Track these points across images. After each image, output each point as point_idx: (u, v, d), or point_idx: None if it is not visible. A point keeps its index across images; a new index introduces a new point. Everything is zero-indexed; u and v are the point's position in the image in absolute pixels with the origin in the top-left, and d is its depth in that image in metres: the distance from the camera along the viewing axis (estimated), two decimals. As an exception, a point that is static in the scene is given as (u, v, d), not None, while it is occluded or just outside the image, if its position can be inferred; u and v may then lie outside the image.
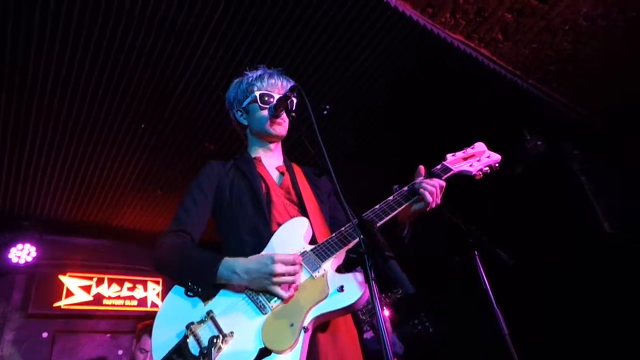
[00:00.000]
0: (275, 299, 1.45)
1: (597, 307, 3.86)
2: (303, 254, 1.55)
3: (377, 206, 1.65)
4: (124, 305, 5.95)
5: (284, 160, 1.98)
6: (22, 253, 5.29)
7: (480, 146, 1.92)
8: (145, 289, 6.20)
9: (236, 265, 1.47)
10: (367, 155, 4.93)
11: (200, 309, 1.46)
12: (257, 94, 1.87)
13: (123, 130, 4.20)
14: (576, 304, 4.04)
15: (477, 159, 1.86)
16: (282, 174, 1.90)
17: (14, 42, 3.13)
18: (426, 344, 4.76)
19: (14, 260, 5.24)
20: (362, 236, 1.31)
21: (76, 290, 5.73)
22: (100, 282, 5.92)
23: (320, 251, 1.55)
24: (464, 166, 1.83)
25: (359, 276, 1.47)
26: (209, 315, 1.42)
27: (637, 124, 4.67)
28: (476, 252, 2.30)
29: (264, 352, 1.33)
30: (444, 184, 1.70)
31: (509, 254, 2.34)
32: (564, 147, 4.58)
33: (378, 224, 1.57)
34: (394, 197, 1.68)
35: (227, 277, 1.47)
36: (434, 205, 1.66)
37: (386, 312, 4.37)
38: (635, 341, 3.60)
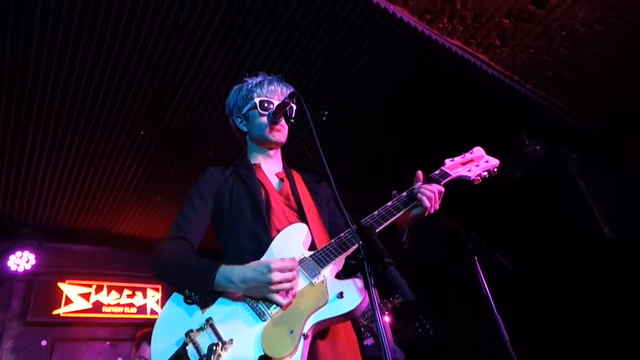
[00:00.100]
0: (275, 305, 1.44)
1: (597, 311, 3.86)
2: (302, 260, 1.55)
3: (375, 212, 1.65)
4: (123, 313, 5.92)
5: (284, 167, 1.99)
6: (21, 261, 5.26)
7: (478, 151, 1.92)
8: (145, 296, 6.17)
9: (233, 273, 1.46)
10: (366, 158, 4.94)
11: (199, 316, 1.45)
12: (256, 100, 1.87)
13: (123, 135, 4.20)
14: (576, 308, 4.04)
15: (475, 164, 1.86)
16: (281, 180, 1.90)
17: (14, 42, 3.12)
18: (427, 349, 4.74)
19: (13, 268, 5.21)
20: (361, 242, 1.30)
21: (75, 297, 5.70)
22: (99, 289, 5.90)
23: (319, 257, 1.55)
24: (463, 171, 1.82)
25: (359, 282, 1.46)
26: (209, 322, 1.42)
27: (634, 128, 4.70)
28: (476, 257, 2.29)
29: (264, 359, 1.33)
30: (442, 189, 1.70)
31: (509, 259, 2.34)
32: (563, 151, 4.59)
33: (377, 230, 1.56)
34: (392, 202, 1.68)
35: (224, 285, 1.46)
36: (432, 211, 1.66)
37: (387, 319, 4.34)
38: (635, 345, 3.59)
